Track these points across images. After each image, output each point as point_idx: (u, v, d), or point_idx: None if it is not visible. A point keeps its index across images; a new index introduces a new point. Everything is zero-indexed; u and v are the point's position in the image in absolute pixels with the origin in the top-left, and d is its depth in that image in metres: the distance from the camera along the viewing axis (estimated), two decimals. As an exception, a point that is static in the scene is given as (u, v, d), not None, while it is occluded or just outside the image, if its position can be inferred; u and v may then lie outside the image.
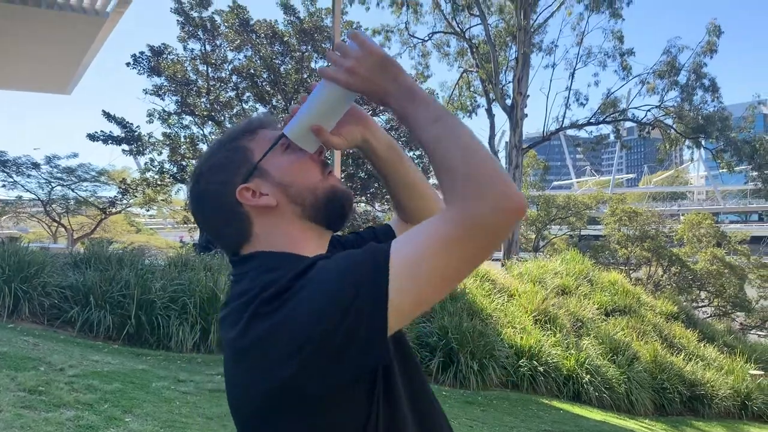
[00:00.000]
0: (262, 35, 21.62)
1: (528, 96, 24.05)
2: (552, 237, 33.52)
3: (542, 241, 32.75)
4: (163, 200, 24.91)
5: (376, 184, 20.66)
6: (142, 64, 21.62)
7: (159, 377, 6.73)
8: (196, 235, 24.98)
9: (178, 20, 21.60)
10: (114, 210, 24.76)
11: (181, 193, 24.63)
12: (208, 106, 22.12)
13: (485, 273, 13.07)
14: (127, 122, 21.70)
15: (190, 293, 9.15)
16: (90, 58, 8.27)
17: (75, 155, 24.30)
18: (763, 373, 13.26)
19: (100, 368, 6.53)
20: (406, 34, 26.88)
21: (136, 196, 23.69)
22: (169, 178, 22.71)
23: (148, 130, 22.73)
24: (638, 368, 11.14)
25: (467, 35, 26.38)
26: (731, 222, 63.75)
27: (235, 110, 22.75)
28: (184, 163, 22.26)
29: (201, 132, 23.03)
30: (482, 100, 27.39)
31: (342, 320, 0.91)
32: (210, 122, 22.56)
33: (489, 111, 26.23)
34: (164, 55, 21.81)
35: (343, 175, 18.41)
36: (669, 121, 25.49)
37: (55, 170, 22.93)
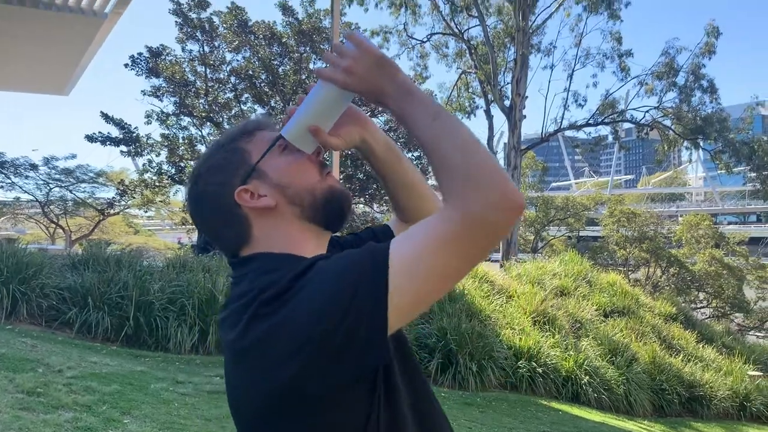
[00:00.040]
0: (261, 36, 21.61)
1: (526, 97, 24.04)
2: (550, 238, 33.53)
3: (541, 242, 32.78)
4: (161, 201, 24.87)
5: (374, 186, 20.65)
6: (140, 66, 21.59)
7: (157, 379, 6.72)
8: (195, 236, 24.99)
9: (176, 21, 21.58)
10: (112, 211, 24.70)
11: (179, 195, 24.58)
12: (207, 107, 22.11)
13: (484, 274, 13.08)
14: (126, 123, 21.67)
15: (188, 294, 9.14)
16: (88, 59, 8.27)
17: (73, 156, 24.23)
18: (761, 374, 13.28)
19: (98, 370, 6.52)
20: (404, 35, 26.88)
21: (134, 198, 23.65)
22: (167, 179, 22.67)
23: (147, 132, 22.81)
24: (637, 369, 11.15)
25: (466, 36, 26.39)
26: (729, 223, 63.87)
27: (233, 111, 22.74)
28: (182, 165, 22.24)
29: (199, 133, 23.02)
30: (481, 102, 27.41)
31: (342, 320, 0.91)
32: (208, 123, 22.55)
33: (487, 112, 26.25)
34: (162, 56, 21.78)
35: (341, 177, 18.40)
36: (667, 122, 25.50)
37: (53, 171, 22.88)
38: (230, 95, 22.84)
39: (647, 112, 25.39)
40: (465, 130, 1.02)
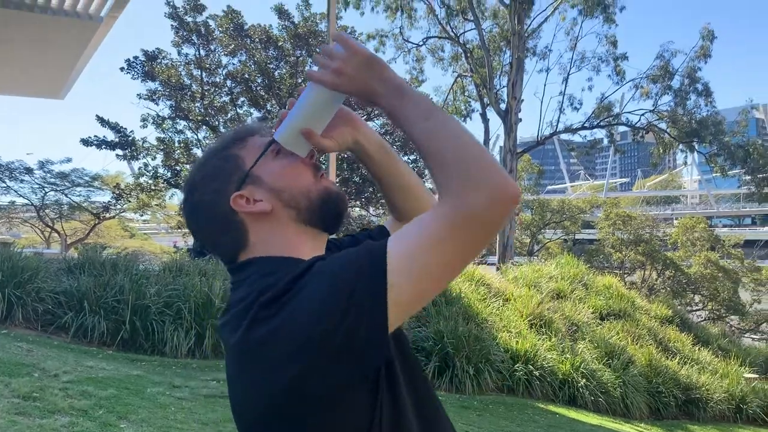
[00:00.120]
0: (257, 40, 21.60)
1: (522, 100, 24.08)
2: (546, 241, 33.59)
3: (537, 245, 32.84)
4: (157, 205, 24.83)
5: (370, 189, 20.65)
6: (136, 69, 21.55)
7: (154, 383, 6.70)
8: (190, 240, 24.89)
9: (172, 25, 21.56)
10: (108, 215, 24.65)
11: (175, 198, 24.53)
12: (203, 110, 22.08)
13: (480, 277, 13.09)
14: (121, 127, 21.61)
15: (184, 298, 9.13)
16: (84, 63, 8.24)
17: (68, 160, 24.16)
18: (757, 376, 13.31)
19: (94, 374, 6.50)
20: (400, 38, 26.91)
21: (129, 201, 23.59)
22: (163, 182, 22.63)
23: (142, 135, 22.68)
24: (633, 372, 11.17)
25: (461, 40, 26.42)
26: (724, 226, 64.02)
27: (229, 115, 22.70)
28: (178, 168, 22.20)
29: (195, 137, 22.98)
30: (477, 105, 27.44)
31: (342, 320, 0.91)
32: (204, 127, 22.51)
33: (483, 115, 26.28)
34: (158, 60, 21.76)
35: (337, 180, 18.39)
36: (662, 126, 25.55)
37: (49, 175, 22.84)
38: (226, 99, 22.82)
39: (643, 115, 25.47)
40: (458, 126, 1.03)
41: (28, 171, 22.40)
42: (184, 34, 21.64)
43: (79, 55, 7.76)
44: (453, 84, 27.96)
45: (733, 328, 25.91)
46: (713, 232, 31.25)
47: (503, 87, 24.95)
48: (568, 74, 25.94)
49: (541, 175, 38.61)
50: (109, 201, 23.72)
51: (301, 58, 21.96)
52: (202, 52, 22.08)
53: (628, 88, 25.97)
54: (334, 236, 1.27)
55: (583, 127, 26.15)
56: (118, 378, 6.57)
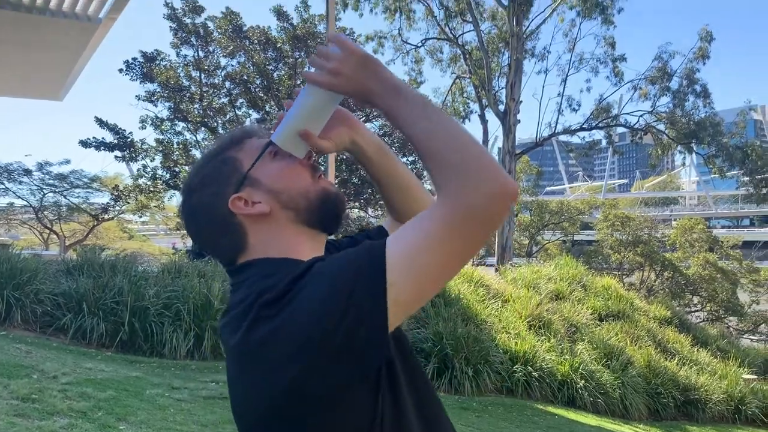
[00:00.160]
0: (256, 41, 21.59)
1: (521, 102, 24.09)
2: (545, 242, 33.60)
3: (535, 246, 32.84)
4: (155, 206, 24.78)
5: (369, 190, 20.63)
6: (134, 71, 21.54)
7: (153, 384, 6.70)
8: (189, 241, 24.85)
9: (170, 26, 21.55)
10: (106, 216, 24.63)
11: (174, 200, 24.50)
12: (201, 112, 22.06)
13: (479, 278, 13.09)
14: (120, 128, 21.59)
15: (183, 300, 9.12)
16: (82, 65, 8.24)
17: (67, 162, 24.26)
18: (756, 377, 13.31)
19: (93, 376, 6.49)
20: (399, 40, 26.95)
21: (128, 203, 23.57)
22: (161, 184, 22.60)
23: (141, 137, 22.71)
24: (632, 373, 11.17)
25: (460, 41, 26.45)
26: (723, 227, 64.07)
27: (228, 116, 22.68)
28: (177, 170, 22.18)
29: (194, 138, 22.95)
30: (475, 106, 27.48)
31: (342, 319, 0.91)
32: (203, 128, 22.49)
33: (482, 117, 26.33)
34: (157, 62, 21.74)
35: (336, 181, 18.39)
36: (661, 127, 25.57)
37: (47, 177, 22.84)
38: (225, 100, 22.80)
39: (641, 116, 25.48)
40: (455, 125, 1.03)
41: (27, 172, 22.39)
42: (183, 35, 21.63)
43: (77, 57, 7.76)
44: (452, 85, 28.00)
45: (731, 329, 25.92)
46: (711, 234, 31.25)
47: (502, 88, 24.97)
48: (567, 75, 25.99)
49: (540, 177, 38.67)
50: (107, 202, 23.72)
51: (300, 60, 21.95)
52: (201, 54, 22.07)
53: (627, 90, 26.10)
54: (332, 237, 1.27)
55: (582, 129, 26.17)
56: (117, 379, 6.56)
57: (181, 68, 22.19)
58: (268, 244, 1.12)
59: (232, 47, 21.58)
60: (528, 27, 24.76)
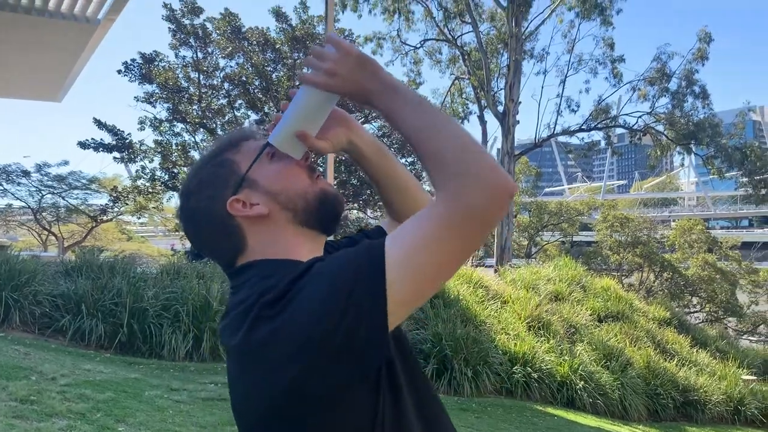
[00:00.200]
0: (254, 42, 21.60)
1: (520, 103, 24.12)
2: (544, 243, 33.57)
3: (535, 247, 32.81)
4: (154, 208, 24.76)
5: (368, 191, 20.64)
6: (133, 72, 21.53)
7: (152, 386, 6.69)
8: (188, 242, 24.77)
9: (169, 27, 21.55)
10: (105, 218, 24.62)
11: (172, 201, 24.51)
12: (200, 113, 22.06)
13: (478, 279, 13.09)
14: (118, 130, 21.58)
15: (182, 301, 9.11)
16: (81, 66, 8.25)
17: (66, 163, 24.26)
18: (755, 378, 13.31)
19: (92, 377, 6.48)
20: (398, 41, 27.00)
21: (127, 204, 23.55)
22: (160, 185, 22.58)
23: (140, 138, 22.58)
24: (632, 374, 11.16)
25: (459, 42, 26.49)
26: (722, 227, 64.13)
27: (227, 117, 22.69)
28: (175, 171, 22.17)
29: (193, 139, 22.95)
30: (474, 107, 27.52)
31: (341, 319, 0.91)
32: (202, 129, 22.49)
33: (481, 118, 26.35)
34: (156, 63, 21.74)
35: (335, 182, 18.38)
36: (660, 128, 25.60)
37: (46, 178, 22.83)
38: (224, 101, 22.80)
39: (640, 117, 25.52)
40: (453, 124, 1.03)
41: (26, 174, 22.38)
42: (182, 36, 21.63)
43: (76, 58, 7.76)
44: (450, 86, 28.03)
45: (730, 330, 25.93)
46: (710, 234, 31.28)
47: (501, 89, 25.01)
48: (566, 76, 26.03)
49: (539, 178, 38.71)
50: (106, 204, 23.71)
51: (298, 61, 21.95)
52: (200, 55, 22.07)
53: (626, 91, 26.08)
54: (331, 238, 1.27)
55: (581, 130, 26.20)
56: (116, 381, 6.55)
57: (179, 69, 22.19)
58: (267, 246, 1.12)
59: (230, 48, 21.58)
60: (527, 28, 24.80)
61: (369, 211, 22.95)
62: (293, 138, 1.15)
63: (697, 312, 26.66)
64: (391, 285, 0.92)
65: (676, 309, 19.90)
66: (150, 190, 22.76)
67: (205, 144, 22.13)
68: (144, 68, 21.44)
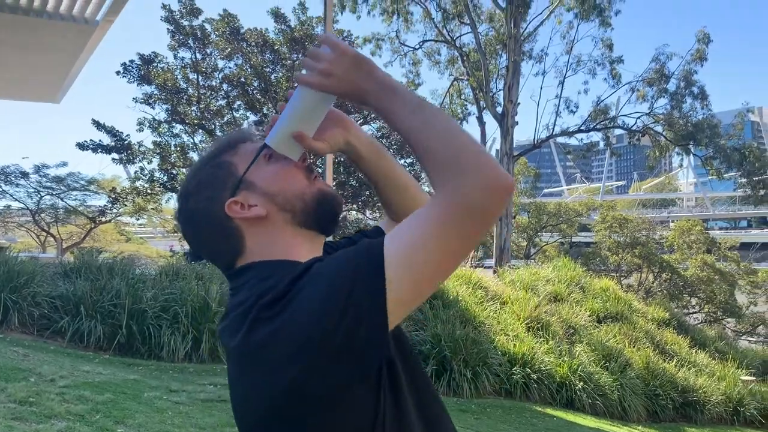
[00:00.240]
0: (253, 44, 21.60)
1: (518, 104, 24.12)
2: (543, 244, 33.61)
3: (534, 248, 32.84)
4: (153, 209, 24.77)
5: (367, 192, 20.65)
6: (132, 73, 21.54)
7: (151, 387, 6.68)
8: (187, 244, 24.78)
9: (168, 29, 21.57)
10: (104, 219, 24.62)
11: (171, 202, 24.52)
12: (199, 114, 22.06)
13: (477, 280, 13.09)
14: (117, 131, 21.59)
15: (181, 302, 9.10)
16: (79, 67, 8.23)
17: (64, 164, 24.23)
18: (754, 378, 13.32)
19: (91, 379, 6.48)
20: (396, 42, 26.99)
21: (126, 205, 23.56)
22: (159, 186, 22.59)
23: (138, 139, 22.60)
24: (631, 375, 11.17)
25: (458, 43, 26.49)
26: (720, 228, 64.21)
27: (225, 118, 22.70)
28: (174, 172, 22.17)
29: (191, 140, 22.97)
30: (473, 108, 27.50)
31: (341, 319, 0.90)
32: (200, 131, 22.51)
33: (480, 119, 26.34)
34: (154, 64, 21.74)
35: (334, 183, 18.38)
36: (658, 129, 25.60)
37: (44, 179, 22.83)
38: (222, 102, 22.81)
39: (639, 118, 25.52)
40: (448, 120, 1.03)
41: (24, 175, 22.38)
42: (180, 37, 21.64)
43: (75, 59, 7.75)
44: (449, 87, 28.03)
45: (729, 331, 25.95)
46: (709, 235, 31.32)
47: (499, 90, 25.01)
48: (564, 77, 26.04)
49: (538, 178, 38.73)
50: (105, 205, 23.73)
51: (297, 62, 21.96)
52: (199, 56, 22.08)
53: (624, 91, 26.12)
54: (330, 239, 1.27)
55: (580, 130, 26.21)
56: (115, 382, 6.54)
57: (178, 70, 22.20)
58: (265, 247, 1.11)
59: (229, 49, 21.59)
60: (525, 29, 24.81)
61: (368, 212, 22.95)
62: (290, 139, 1.14)
63: (696, 313, 26.69)
64: (390, 284, 0.92)
65: (675, 310, 19.92)
66: (149, 191, 22.77)
67: (203, 145, 22.14)
68: (143, 69, 21.45)
